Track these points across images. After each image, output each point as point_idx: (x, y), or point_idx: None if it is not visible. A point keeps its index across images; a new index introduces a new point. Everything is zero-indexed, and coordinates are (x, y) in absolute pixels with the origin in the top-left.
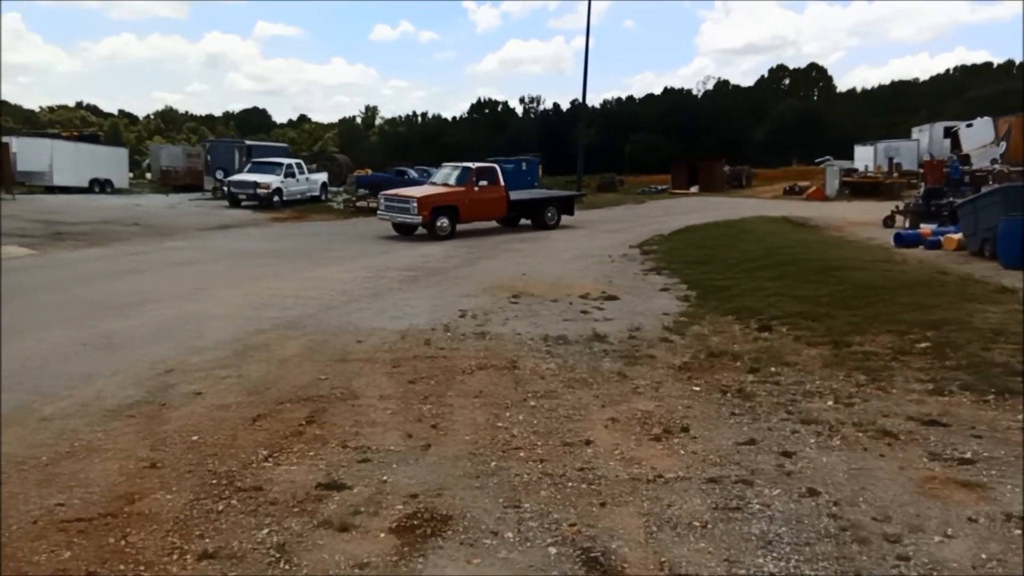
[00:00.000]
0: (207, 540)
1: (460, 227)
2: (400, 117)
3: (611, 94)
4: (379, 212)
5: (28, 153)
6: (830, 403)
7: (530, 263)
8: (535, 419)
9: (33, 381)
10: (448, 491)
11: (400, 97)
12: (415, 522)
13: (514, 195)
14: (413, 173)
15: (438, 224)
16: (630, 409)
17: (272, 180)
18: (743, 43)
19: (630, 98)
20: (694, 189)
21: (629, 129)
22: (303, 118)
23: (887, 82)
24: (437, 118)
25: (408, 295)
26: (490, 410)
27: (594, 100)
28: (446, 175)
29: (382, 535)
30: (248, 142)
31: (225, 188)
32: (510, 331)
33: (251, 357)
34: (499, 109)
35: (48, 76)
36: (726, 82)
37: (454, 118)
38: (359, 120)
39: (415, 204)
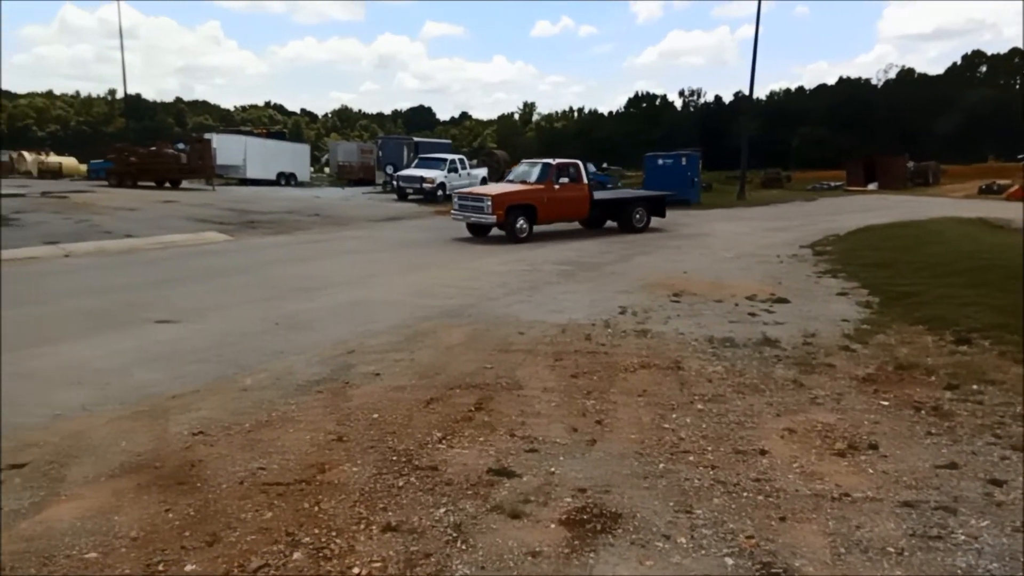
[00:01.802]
0: (390, 513)
1: (607, 224)
2: (556, 113)
3: (778, 85)
4: (453, 212)
5: (226, 149)
6: None
7: (689, 261)
8: (703, 423)
9: (232, 355)
10: (616, 489)
11: (557, 92)
12: (584, 516)
13: (598, 195)
14: None
15: (517, 225)
16: (808, 420)
17: (437, 175)
18: (932, 28)
19: (800, 89)
20: (872, 186)
21: (797, 122)
22: (464, 115)
23: None
24: (593, 113)
25: (565, 289)
26: (655, 410)
27: (759, 91)
28: (524, 172)
29: (552, 526)
30: (415, 139)
31: (394, 182)
32: (672, 330)
33: (421, 343)
34: (656, 103)
35: (240, 78)
36: (911, 70)
37: (610, 112)
38: (517, 116)
39: (490, 203)
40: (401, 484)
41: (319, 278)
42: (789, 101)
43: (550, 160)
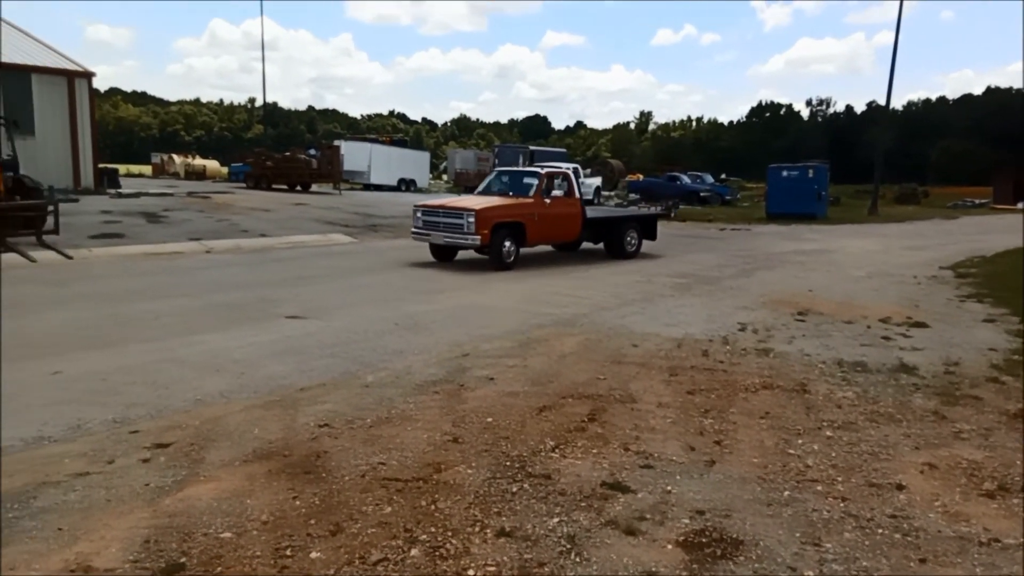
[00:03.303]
0: (504, 519)
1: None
2: (673, 122)
3: (917, 94)
4: (414, 231)
5: (352, 155)
6: None
7: (815, 278)
8: (833, 451)
9: (356, 352)
10: (737, 514)
11: (675, 101)
12: (703, 540)
13: (590, 212)
14: (686, 179)
15: (504, 248)
16: (952, 456)
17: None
18: None
19: (941, 99)
20: (1022, 205)
21: (937, 134)
22: (579, 124)
23: None
24: (712, 122)
25: (681, 302)
26: (779, 434)
27: (896, 101)
28: (502, 182)
29: (669, 546)
30: (531, 147)
31: None
32: (797, 351)
33: (533, 350)
34: (781, 112)
35: (368, 87)
36: None
37: (730, 122)
38: (632, 125)
39: (472, 219)
40: (515, 490)
41: (435, 280)
42: (929, 111)
43: (537, 168)
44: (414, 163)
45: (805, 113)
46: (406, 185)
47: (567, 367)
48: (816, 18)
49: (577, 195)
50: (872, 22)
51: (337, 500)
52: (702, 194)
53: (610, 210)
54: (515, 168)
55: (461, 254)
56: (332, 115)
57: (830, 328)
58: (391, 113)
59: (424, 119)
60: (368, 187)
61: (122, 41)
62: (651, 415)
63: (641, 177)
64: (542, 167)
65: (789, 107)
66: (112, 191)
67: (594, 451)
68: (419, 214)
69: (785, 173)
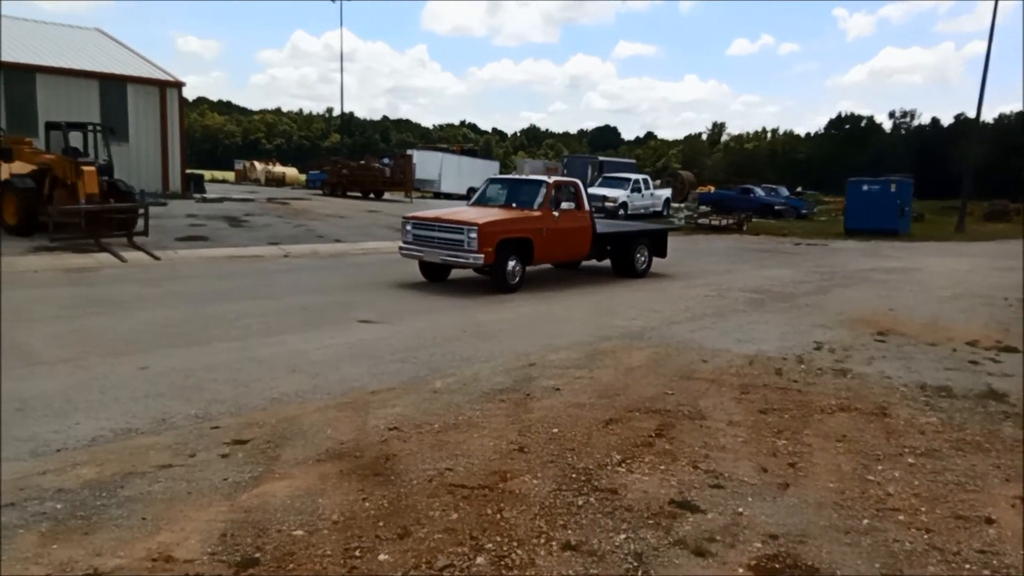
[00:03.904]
0: (569, 532)
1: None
2: (747, 133)
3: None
4: (403, 245)
5: (424, 164)
6: None
7: (898, 297)
8: (915, 480)
9: (425, 357)
10: (812, 540)
11: (750, 112)
12: (777, 566)
13: (600, 227)
14: (759, 191)
15: (508, 268)
16: None
17: (619, 194)
18: None
19: None
20: None
21: None
22: (649, 135)
23: None
24: (788, 134)
25: (754, 318)
26: (857, 459)
27: (987, 113)
28: (503, 192)
29: (740, 570)
30: (600, 158)
31: None
32: (876, 372)
33: (600, 361)
34: (862, 124)
35: (441, 98)
36: None
37: (807, 134)
38: (704, 136)
39: (474, 235)
40: (580, 503)
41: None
42: (1022, 125)
43: (545, 177)
44: (483, 172)
45: (887, 125)
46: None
47: (635, 381)
48: (902, 27)
49: (587, 207)
50: (963, 31)
51: (405, 504)
52: (776, 207)
53: (619, 224)
54: (514, 176)
55: (456, 272)
56: (405, 125)
57: (913, 350)
58: (462, 123)
59: (494, 129)
60: (438, 195)
61: (210, 52)
62: (721, 433)
63: (713, 189)
64: (615, 178)
65: (870, 119)
66: (197, 196)
67: (662, 467)
68: (409, 227)
69: (866, 187)
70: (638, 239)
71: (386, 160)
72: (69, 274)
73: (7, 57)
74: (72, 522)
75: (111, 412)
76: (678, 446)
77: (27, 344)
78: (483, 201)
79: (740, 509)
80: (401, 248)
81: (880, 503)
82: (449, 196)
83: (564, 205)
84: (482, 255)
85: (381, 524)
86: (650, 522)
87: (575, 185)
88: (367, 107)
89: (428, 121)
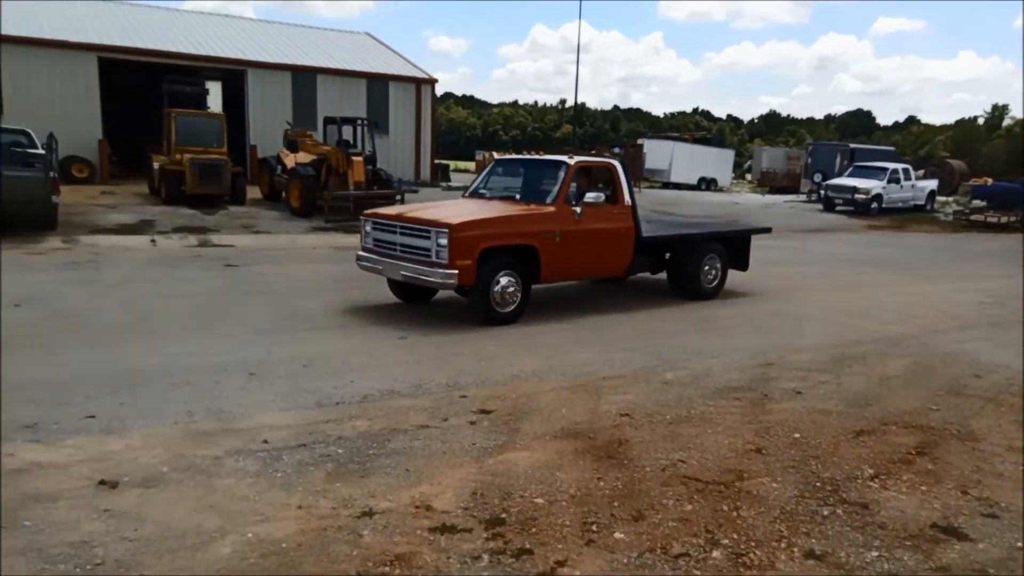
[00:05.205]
0: (813, 540)
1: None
2: None
3: None
4: (361, 256)
5: (654, 153)
6: None
7: None
8: None
9: (653, 347)
10: None
11: None
12: None
13: (646, 230)
14: None
15: (496, 289)
16: None
17: (873, 185)
18: None
19: None
20: None
21: None
22: (910, 119)
23: None
24: None
25: None
26: None
27: None
28: (508, 180)
29: None
30: (852, 145)
31: (821, 191)
32: None
33: (849, 368)
34: None
35: (673, 86)
36: None
37: None
38: (981, 121)
39: (444, 243)
40: (826, 513)
41: (738, 285)
42: None
43: (563, 157)
44: (716, 161)
45: None
46: (707, 184)
47: (890, 392)
48: None
49: (628, 200)
50: None
51: (638, 488)
52: None
53: (676, 224)
54: (524, 156)
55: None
56: (635, 114)
57: None
58: (694, 111)
59: (729, 116)
60: (667, 185)
61: (459, 50)
62: (998, 458)
63: (990, 181)
64: (869, 167)
65: None
66: (444, 184)
67: (923, 488)
68: (368, 228)
69: None
70: (706, 246)
71: (616, 149)
72: (340, 251)
73: (293, 61)
74: (351, 465)
75: (377, 374)
76: (943, 467)
77: (308, 311)
78: (480, 192)
79: (1020, 543)
80: (359, 257)
81: None
82: (678, 186)
83: (590, 197)
84: (454, 271)
85: (616, 504)
86: (907, 543)
87: (610, 168)
88: (598, 97)
89: (659, 110)
